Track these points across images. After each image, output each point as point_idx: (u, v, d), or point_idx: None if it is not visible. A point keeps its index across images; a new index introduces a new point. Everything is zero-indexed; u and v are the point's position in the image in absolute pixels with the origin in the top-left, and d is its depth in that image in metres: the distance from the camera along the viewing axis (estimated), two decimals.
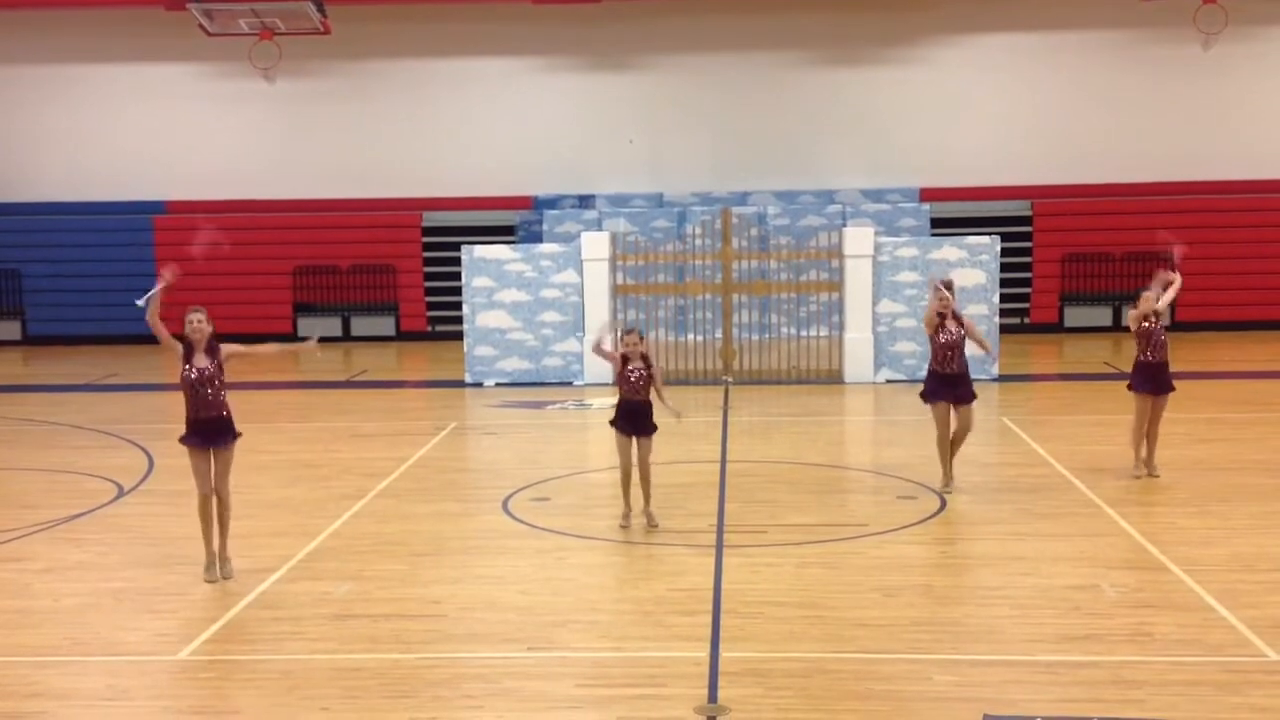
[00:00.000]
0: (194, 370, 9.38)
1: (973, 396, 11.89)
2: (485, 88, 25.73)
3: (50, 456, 14.40)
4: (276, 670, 7.77)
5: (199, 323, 9.53)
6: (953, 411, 11.86)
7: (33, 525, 11.23)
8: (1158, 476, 12.29)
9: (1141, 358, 12.28)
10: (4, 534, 10.95)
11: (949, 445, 11.92)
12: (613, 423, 10.88)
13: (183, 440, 9.49)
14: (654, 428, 10.83)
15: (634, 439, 10.77)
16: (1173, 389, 12.36)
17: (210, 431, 9.43)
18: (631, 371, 10.79)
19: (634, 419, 10.75)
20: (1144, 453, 12.37)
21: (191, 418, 9.43)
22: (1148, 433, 12.36)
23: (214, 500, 9.53)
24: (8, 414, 17.56)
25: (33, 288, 25.78)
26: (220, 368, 9.46)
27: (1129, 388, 12.38)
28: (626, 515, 10.85)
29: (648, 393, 10.82)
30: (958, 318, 11.88)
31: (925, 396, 11.98)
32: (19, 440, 15.70)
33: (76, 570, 9.90)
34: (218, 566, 9.54)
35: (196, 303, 22.58)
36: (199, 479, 9.46)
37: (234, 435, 9.58)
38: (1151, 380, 12.25)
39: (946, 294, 11.78)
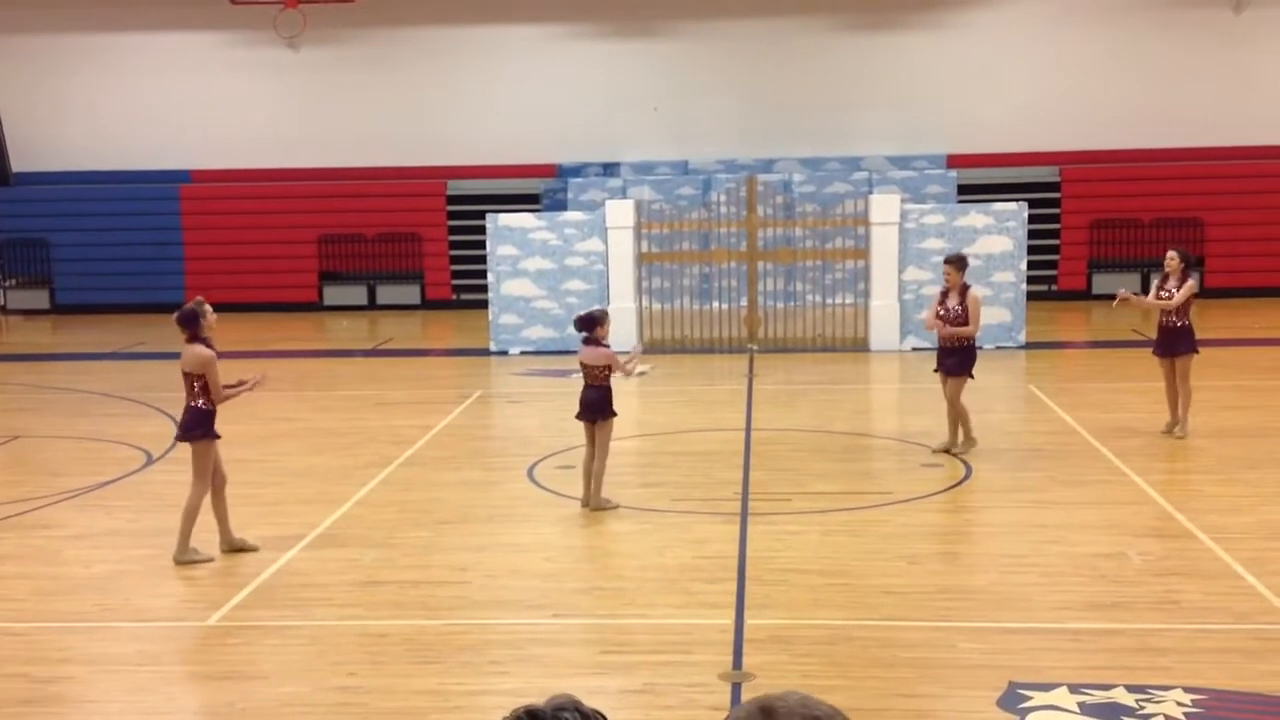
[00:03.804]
0: None
1: (956, 370, 11.97)
2: (510, 55, 25.64)
3: (79, 424, 14.50)
4: (304, 636, 7.82)
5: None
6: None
7: (63, 492, 11.32)
8: (1180, 437, 12.37)
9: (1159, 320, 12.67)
10: (34, 501, 11.05)
11: (952, 411, 12.12)
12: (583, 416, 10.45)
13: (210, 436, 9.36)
14: (614, 412, 10.51)
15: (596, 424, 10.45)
16: (1176, 353, 12.41)
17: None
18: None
19: (600, 405, 10.41)
20: (1178, 415, 12.53)
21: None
22: (1166, 393, 12.57)
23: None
24: (37, 382, 17.69)
25: (60, 256, 25.89)
26: None
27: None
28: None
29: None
30: (963, 293, 11.98)
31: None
32: (48, 408, 15.82)
33: (106, 537, 9.97)
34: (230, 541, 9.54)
35: (225, 271, 22.55)
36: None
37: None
38: (1159, 344, 12.59)
39: (946, 268, 12.18)
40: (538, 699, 2.25)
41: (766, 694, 2.16)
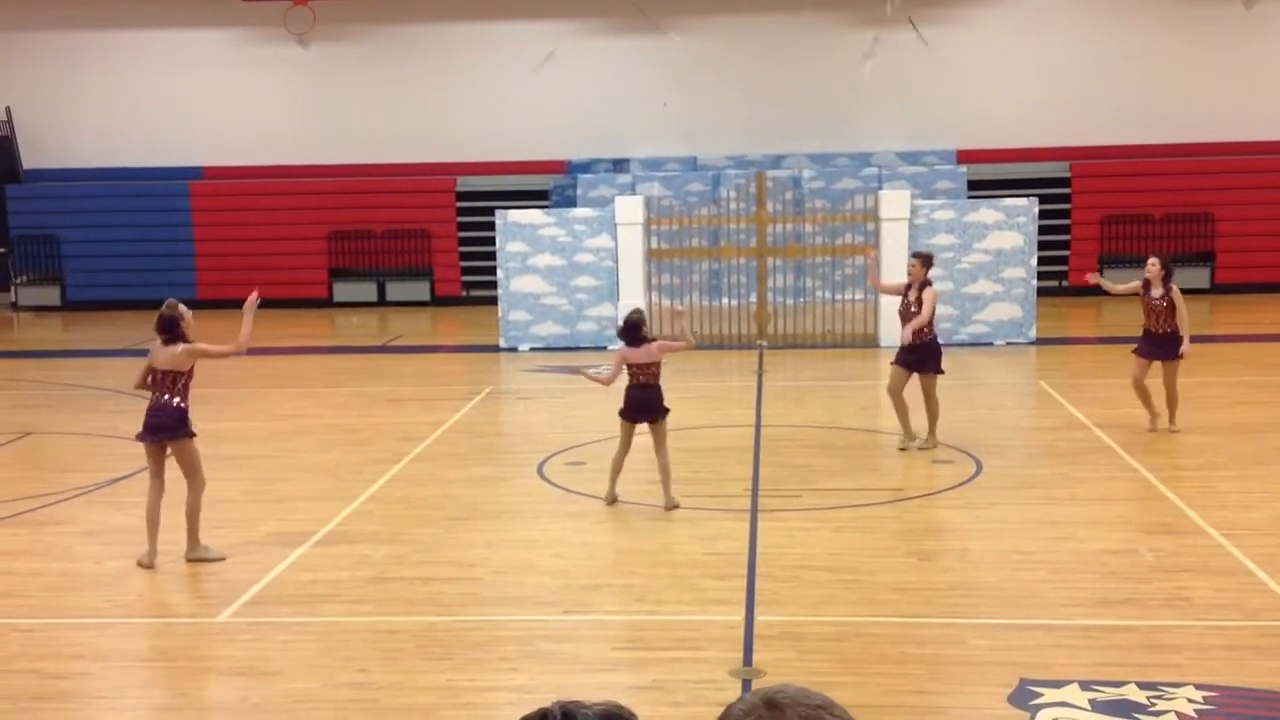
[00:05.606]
0: None
1: (922, 367, 12.11)
2: (519, 51, 25.64)
3: (90, 421, 14.53)
4: (315, 632, 7.84)
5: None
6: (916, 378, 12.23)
7: (74, 489, 11.35)
8: (1175, 430, 12.44)
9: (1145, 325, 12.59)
10: (45, 497, 11.08)
11: (896, 404, 12.21)
12: (624, 412, 10.41)
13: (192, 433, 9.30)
14: (666, 410, 10.44)
15: (644, 425, 10.40)
16: (1172, 357, 12.35)
17: None
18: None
19: (659, 403, 10.40)
20: (1156, 408, 12.55)
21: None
22: (1135, 390, 12.59)
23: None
24: (48, 378, 17.73)
25: (71, 253, 25.95)
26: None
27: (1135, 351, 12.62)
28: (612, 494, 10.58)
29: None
30: (922, 288, 12.12)
31: None
32: (60, 404, 15.85)
33: (117, 533, 9.99)
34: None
35: (235, 267, 22.62)
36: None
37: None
38: (1145, 346, 12.49)
39: (912, 261, 12.44)
40: (553, 695, 2.24)
41: (764, 687, 2.20)
